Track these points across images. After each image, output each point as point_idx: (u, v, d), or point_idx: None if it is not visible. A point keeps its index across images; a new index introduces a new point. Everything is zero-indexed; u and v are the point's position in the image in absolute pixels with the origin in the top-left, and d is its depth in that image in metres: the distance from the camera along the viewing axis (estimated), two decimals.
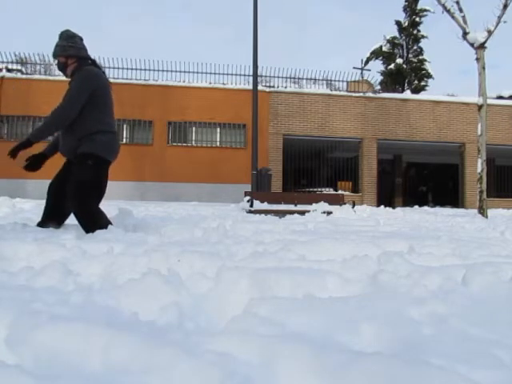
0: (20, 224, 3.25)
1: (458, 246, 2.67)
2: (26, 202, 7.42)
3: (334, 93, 15.12)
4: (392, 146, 16.01)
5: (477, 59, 8.93)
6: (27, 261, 1.87)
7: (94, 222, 3.13)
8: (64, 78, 3.60)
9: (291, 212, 7.92)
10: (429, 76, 26.54)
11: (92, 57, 3.44)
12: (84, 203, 3.20)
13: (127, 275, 1.53)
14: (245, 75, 15.21)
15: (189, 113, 13.95)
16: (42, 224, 3.30)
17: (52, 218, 3.34)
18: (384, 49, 26.22)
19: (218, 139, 14.33)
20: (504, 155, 17.08)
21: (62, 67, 3.29)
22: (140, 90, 13.80)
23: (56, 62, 3.34)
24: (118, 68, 14.69)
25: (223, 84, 14.69)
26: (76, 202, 3.19)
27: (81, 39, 3.35)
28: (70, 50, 3.25)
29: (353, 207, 9.07)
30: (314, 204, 8.74)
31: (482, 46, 8.80)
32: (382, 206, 10.78)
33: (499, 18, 8.60)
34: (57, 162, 3.49)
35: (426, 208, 12.68)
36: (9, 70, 14.31)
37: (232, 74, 15.32)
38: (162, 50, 67.85)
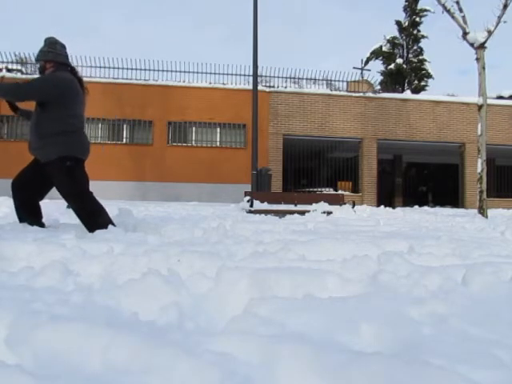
0: (20, 224, 3.26)
1: (457, 246, 2.67)
2: None
3: (334, 93, 15.11)
4: (392, 145, 16.01)
5: (477, 59, 8.92)
6: (27, 261, 1.87)
7: (98, 217, 3.28)
8: None
9: (291, 212, 7.91)
10: (429, 76, 26.54)
11: (72, 64, 3.60)
12: (84, 203, 3.32)
13: (127, 275, 1.53)
14: (245, 75, 15.21)
15: (189, 113, 13.94)
16: (25, 221, 3.33)
17: (25, 211, 3.40)
18: (384, 49, 26.21)
19: (218, 139, 14.33)
20: (504, 155, 17.07)
21: (41, 70, 3.47)
22: (140, 90, 13.80)
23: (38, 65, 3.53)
24: (118, 68, 14.69)
25: (223, 84, 14.68)
26: (78, 204, 3.32)
27: (62, 46, 3.51)
28: (49, 55, 3.42)
29: (353, 207, 9.07)
30: (314, 204, 8.73)
31: (482, 46, 8.79)
32: (382, 206, 10.77)
33: (499, 17, 8.59)
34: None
35: (426, 208, 12.67)
36: (9, 70, 14.30)
37: (232, 74, 15.32)
38: (161, 50, 67.86)
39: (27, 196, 3.43)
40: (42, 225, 3.38)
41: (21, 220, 3.37)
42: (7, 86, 3.32)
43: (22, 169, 3.50)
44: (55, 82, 3.30)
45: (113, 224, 3.27)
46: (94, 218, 3.27)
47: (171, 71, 14.99)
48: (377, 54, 26.35)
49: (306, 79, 16.00)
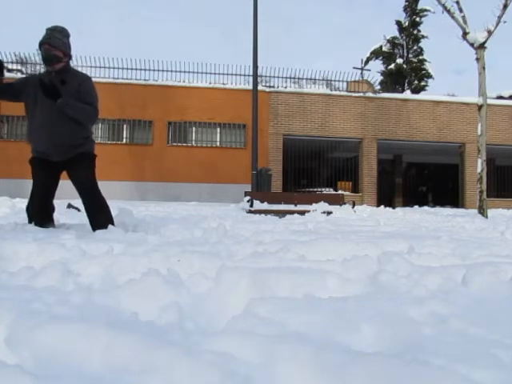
0: (20, 224, 3.26)
1: (457, 246, 2.66)
2: (26, 202, 7.40)
3: (334, 93, 15.10)
4: (392, 146, 16.00)
5: (477, 59, 8.91)
6: (27, 261, 1.87)
7: (107, 213, 3.40)
8: None
9: (291, 212, 7.91)
10: (429, 76, 26.54)
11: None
12: (100, 196, 3.44)
13: (127, 275, 1.53)
14: (245, 75, 15.20)
15: (189, 113, 13.94)
16: (36, 223, 3.30)
17: (42, 214, 3.39)
18: (384, 49, 26.21)
19: (218, 139, 14.32)
20: (504, 155, 17.07)
21: (55, 60, 3.25)
22: (140, 90, 13.79)
23: (44, 49, 3.21)
24: (118, 68, 14.68)
25: (223, 84, 14.68)
26: (95, 194, 3.41)
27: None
28: (68, 49, 3.35)
29: (353, 207, 9.08)
30: (314, 204, 8.74)
31: (482, 46, 8.79)
32: (382, 206, 10.78)
33: (499, 17, 8.58)
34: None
35: (425, 208, 12.66)
36: (9, 70, 14.29)
37: (232, 74, 15.31)
38: (158, 49, 67.84)
39: (48, 199, 3.48)
40: (53, 226, 3.40)
41: (33, 221, 3.34)
42: (84, 111, 3.35)
43: (40, 177, 3.44)
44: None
45: (112, 224, 3.29)
46: (104, 211, 3.37)
47: (171, 71, 14.98)
48: (377, 53, 26.35)
49: (306, 79, 15.98)
